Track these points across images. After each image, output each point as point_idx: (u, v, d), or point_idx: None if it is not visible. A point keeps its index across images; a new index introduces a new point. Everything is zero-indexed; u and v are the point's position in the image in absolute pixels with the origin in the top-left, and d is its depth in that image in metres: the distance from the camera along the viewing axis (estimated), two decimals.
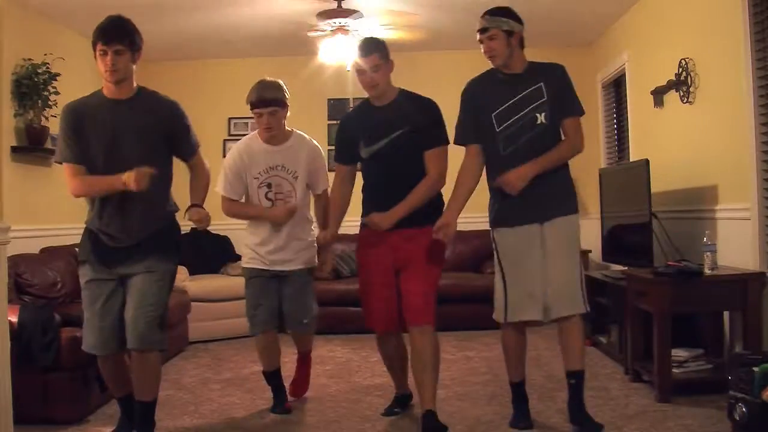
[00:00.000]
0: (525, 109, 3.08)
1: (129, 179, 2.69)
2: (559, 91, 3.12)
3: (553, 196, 3.06)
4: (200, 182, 3.15)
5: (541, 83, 3.14)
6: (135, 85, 2.93)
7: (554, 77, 3.18)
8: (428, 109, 3.28)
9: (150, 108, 2.91)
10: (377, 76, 3.17)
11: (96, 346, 2.88)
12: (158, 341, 2.85)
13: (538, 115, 3.06)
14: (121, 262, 2.87)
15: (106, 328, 2.85)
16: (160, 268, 2.90)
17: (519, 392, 3.28)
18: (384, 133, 3.19)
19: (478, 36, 3.19)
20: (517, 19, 3.24)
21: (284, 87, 3.62)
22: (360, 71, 3.19)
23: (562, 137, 3.12)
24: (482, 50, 3.19)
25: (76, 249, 4.80)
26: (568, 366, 3.13)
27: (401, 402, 3.54)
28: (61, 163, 2.93)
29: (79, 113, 2.86)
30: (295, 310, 3.54)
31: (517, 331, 3.23)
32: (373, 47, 3.18)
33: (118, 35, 2.75)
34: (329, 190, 3.59)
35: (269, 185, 3.53)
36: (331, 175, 3.50)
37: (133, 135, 2.82)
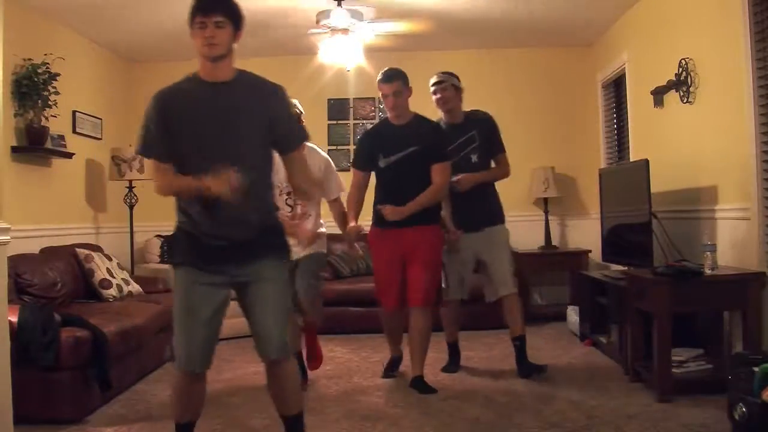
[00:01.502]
0: (462, 151, 4.16)
1: (215, 184, 2.41)
2: (489, 136, 4.24)
3: (484, 213, 4.22)
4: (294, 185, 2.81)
5: (474, 131, 4.19)
6: (234, 66, 2.62)
7: (486, 126, 4.25)
8: (436, 131, 4.01)
9: (251, 91, 2.59)
10: (398, 101, 3.86)
11: (195, 362, 2.63)
12: (292, 345, 2.76)
13: (472, 156, 4.18)
14: (229, 263, 2.59)
15: (210, 340, 2.63)
16: (281, 276, 2.67)
17: (454, 349, 4.44)
18: (400, 147, 3.86)
19: (432, 88, 4.20)
20: (459, 82, 4.26)
21: (296, 104, 3.79)
22: (384, 95, 3.87)
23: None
24: (434, 99, 4.21)
25: (76, 249, 4.87)
26: (513, 333, 4.23)
27: (395, 363, 4.26)
28: (145, 156, 2.69)
29: (170, 100, 2.54)
30: (302, 286, 3.83)
31: (455, 304, 4.31)
32: (396, 75, 3.85)
33: (218, 5, 2.48)
34: (343, 195, 4.10)
35: (289, 193, 3.81)
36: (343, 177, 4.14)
37: (233, 122, 2.52)
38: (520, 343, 4.18)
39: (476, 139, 4.17)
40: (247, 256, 2.59)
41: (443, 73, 4.22)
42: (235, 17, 2.55)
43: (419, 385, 3.84)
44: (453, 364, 4.37)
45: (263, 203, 2.65)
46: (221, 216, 2.53)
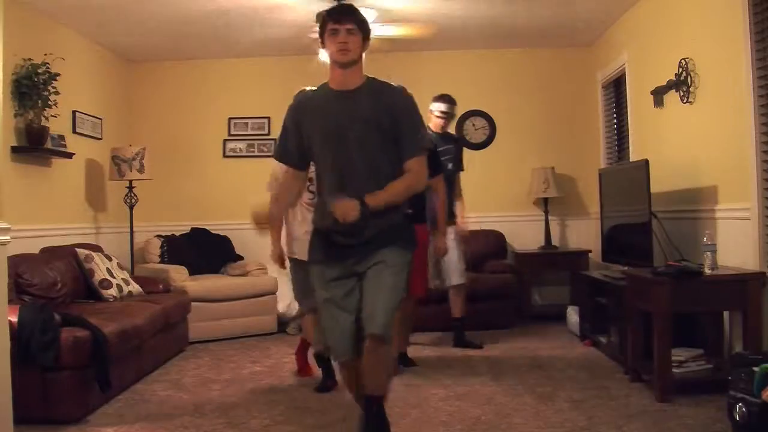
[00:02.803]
0: (443, 157, 4.88)
1: (337, 210, 2.56)
2: (459, 154, 5.22)
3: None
4: (398, 183, 2.69)
5: (453, 146, 5.18)
6: (364, 74, 2.71)
7: (459, 145, 5.24)
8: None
9: (378, 98, 2.67)
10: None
11: (346, 352, 2.71)
12: (391, 333, 2.76)
13: (449, 164, 5.04)
14: (354, 259, 2.68)
15: (346, 328, 2.70)
16: (402, 261, 2.70)
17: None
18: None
19: (439, 113, 5.03)
20: None
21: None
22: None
23: None
24: (437, 121, 5.02)
25: (76, 249, 4.87)
26: (453, 314, 5.04)
27: (404, 359, 4.49)
28: (281, 162, 2.86)
29: (302, 110, 2.72)
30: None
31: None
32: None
33: (351, 13, 2.62)
34: None
35: (311, 179, 3.72)
36: None
37: (360, 129, 2.62)
38: (459, 323, 5.06)
39: (453, 152, 5.00)
40: (371, 250, 2.68)
41: (452, 103, 5.02)
42: (364, 27, 2.67)
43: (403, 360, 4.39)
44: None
45: (393, 206, 2.69)
46: (353, 231, 2.63)
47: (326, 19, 2.64)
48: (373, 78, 2.72)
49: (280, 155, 2.82)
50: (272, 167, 4.14)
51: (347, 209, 2.55)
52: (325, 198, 2.70)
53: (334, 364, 3.67)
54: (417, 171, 2.69)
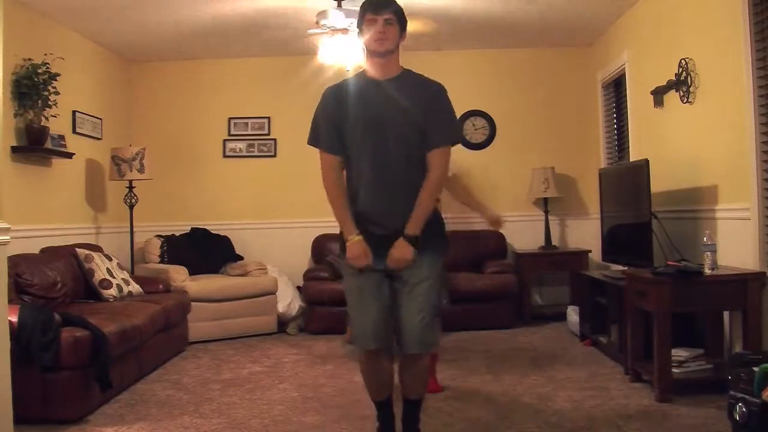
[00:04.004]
0: None
1: (353, 249, 2.66)
2: None
3: None
4: (425, 193, 2.68)
5: None
6: (400, 65, 2.75)
7: None
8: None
9: (415, 87, 2.71)
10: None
11: (369, 340, 2.74)
12: (433, 342, 2.83)
13: None
14: (387, 250, 2.68)
15: (380, 319, 2.73)
16: (434, 272, 2.74)
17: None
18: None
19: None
20: None
21: None
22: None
23: None
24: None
25: (76, 249, 4.87)
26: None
27: None
28: (314, 146, 2.78)
29: (338, 96, 2.72)
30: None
31: None
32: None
33: (389, 4, 2.66)
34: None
35: None
36: None
37: (397, 117, 2.66)
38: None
39: None
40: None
41: None
42: (401, 18, 2.69)
43: None
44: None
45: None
46: (386, 218, 2.70)
47: (365, 9, 2.66)
48: (411, 70, 2.77)
49: (317, 140, 2.75)
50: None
51: (405, 256, 2.64)
52: (357, 186, 2.72)
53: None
54: (440, 166, 2.71)
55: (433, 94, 2.71)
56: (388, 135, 2.66)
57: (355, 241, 2.68)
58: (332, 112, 2.71)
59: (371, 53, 2.68)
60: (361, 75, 2.77)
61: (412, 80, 2.73)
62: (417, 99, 2.67)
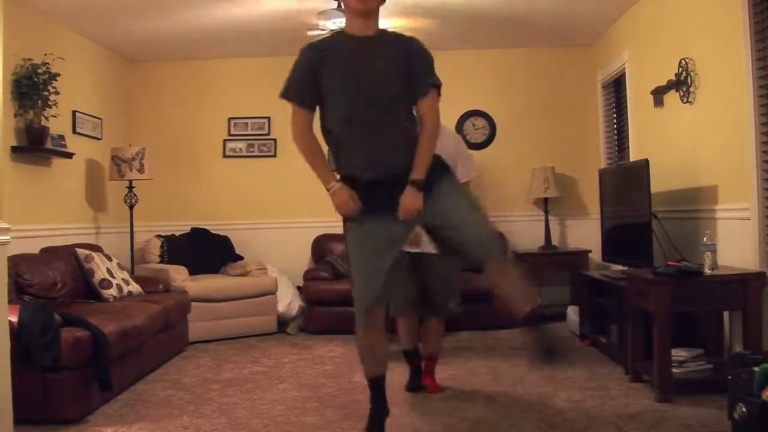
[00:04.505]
0: None
1: (336, 197, 2.72)
2: None
3: None
4: (424, 139, 2.77)
5: None
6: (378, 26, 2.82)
7: None
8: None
9: (393, 43, 2.80)
10: None
11: (364, 296, 2.79)
12: (504, 246, 2.97)
13: None
14: (391, 200, 2.75)
15: (378, 275, 2.76)
16: (460, 192, 2.86)
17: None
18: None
19: None
20: None
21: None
22: None
23: None
24: None
25: (76, 249, 4.87)
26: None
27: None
28: (285, 99, 2.83)
29: (320, 51, 2.77)
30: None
31: None
32: None
33: None
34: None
35: None
36: None
37: (378, 66, 2.73)
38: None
39: None
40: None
41: None
42: None
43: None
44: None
45: (412, 140, 2.78)
46: (373, 160, 2.74)
47: None
48: (388, 30, 2.84)
49: (290, 92, 2.80)
50: None
51: (416, 204, 2.68)
52: (340, 135, 2.75)
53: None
54: (432, 111, 2.79)
55: (411, 48, 2.79)
56: (374, 86, 2.70)
57: (338, 188, 2.73)
58: (311, 66, 2.74)
59: (353, 12, 2.73)
60: (341, 32, 2.84)
61: (390, 37, 2.82)
62: (397, 52, 2.75)
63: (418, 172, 2.72)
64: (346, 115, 2.73)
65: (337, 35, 2.85)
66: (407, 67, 2.74)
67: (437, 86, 2.86)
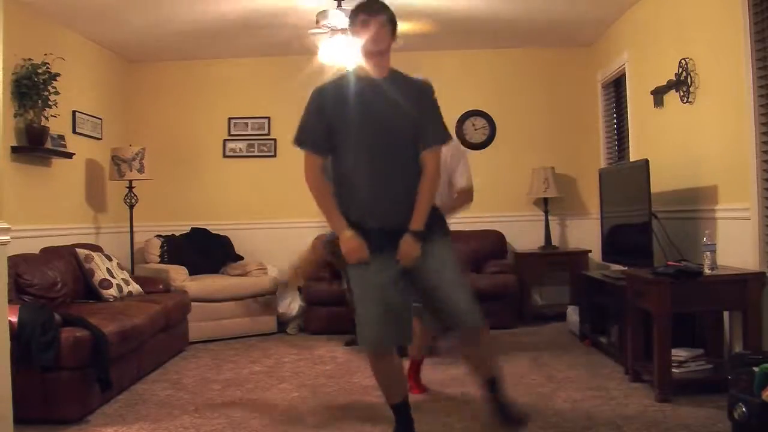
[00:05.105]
0: None
1: (347, 246, 2.72)
2: None
3: None
4: (424, 190, 2.75)
5: None
6: (390, 66, 2.82)
7: None
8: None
9: (405, 85, 2.79)
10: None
11: (369, 336, 2.75)
12: (481, 317, 2.83)
13: None
14: (392, 245, 2.74)
15: (389, 320, 2.73)
16: (450, 253, 2.82)
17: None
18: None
19: None
20: None
21: None
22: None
23: None
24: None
25: (76, 249, 4.87)
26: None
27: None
28: (298, 147, 2.79)
29: (330, 95, 2.76)
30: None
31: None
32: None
33: (382, 8, 2.74)
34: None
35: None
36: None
37: (393, 113, 2.73)
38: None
39: None
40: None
41: None
42: (393, 22, 2.76)
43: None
44: None
45: (414, 194, 2.76)
46: (377, 208, 2.74)
47: (358, 11, 2.73)
48: (399, 71, 2.82)
49: (303, 141, 2.77)
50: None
51: (413, 251, 2.69)
52: (351, 183, 2.74)
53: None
54: (434, 161, 2.79)
55: (422, 92, 2.81)
56: (385, 130, 2.71)
57: (349, 236, 2.71)
58: (325, 111, 2.73)
59: (366, 53, 2.73)
60: (353, 74, 2.81)
61: (401, 79, 2.81)
62: (408, 96, 2.75)
63: (417, 224, 2.72)
64: (354, 159, 2.73)
65: (348, 77, 2.82)
66: (418, 112, 2.75)
67: (446, 142, 2.85)
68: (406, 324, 2.76)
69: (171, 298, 5.01)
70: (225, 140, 6.70)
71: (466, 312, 2.73)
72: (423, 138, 2.76)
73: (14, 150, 4.55)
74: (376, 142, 2.70)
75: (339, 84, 2.79)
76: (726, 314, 3.81)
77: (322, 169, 2.77)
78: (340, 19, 4.90)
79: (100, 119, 5.97)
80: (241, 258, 6.32)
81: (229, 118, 6.69)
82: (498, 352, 2.95)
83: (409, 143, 2.75)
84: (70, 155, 5.21)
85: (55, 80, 4.76)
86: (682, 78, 4.34)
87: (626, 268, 4.44)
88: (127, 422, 3.43)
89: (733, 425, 2.79)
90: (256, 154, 6.69)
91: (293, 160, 7.17)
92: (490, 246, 6.25)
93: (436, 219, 2.83)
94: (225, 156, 6.70)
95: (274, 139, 6.65)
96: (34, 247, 4.61)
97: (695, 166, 4.24)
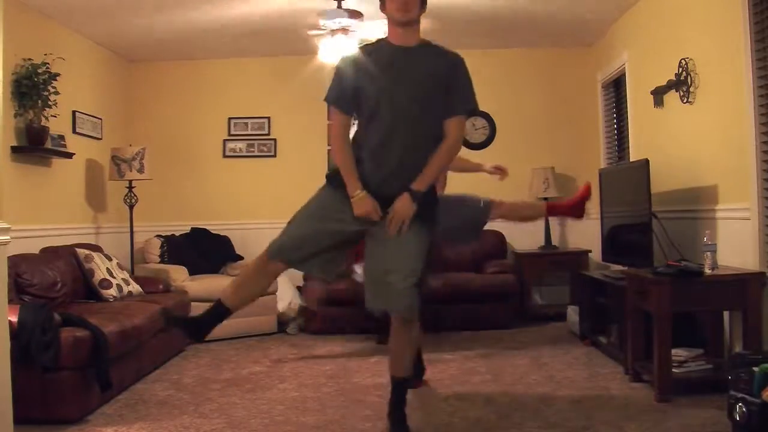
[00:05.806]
0: None
1: (360, 206, 2.78)
2: None
3: None
4: (439, 155, 2.82)
5: None
6: (420, 36, 2.86)
7: None
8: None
9: (435, 56, 2.83)
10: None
11: (280, 245, 2.99)
12: (416, 308, 2.89)
13: None
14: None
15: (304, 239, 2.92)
16: (420, 237, 2.87)
17: None
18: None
19: None
20: None
21: None
22: None
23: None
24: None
25: (76, 249, 4.87)
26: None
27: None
28: (329, 103, 2.89)
29: (362, 59, 2.83)
30: None
31: None
32: None
33: None
34: None
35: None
36: None
37: (419, 82, 2.78)
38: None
39: None
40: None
41: None
42: None
43: None
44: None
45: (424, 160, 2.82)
46: (394, 178, 2.80)
47: None
48: (432, 42, 2.86)
49: (335, 99, 2.85)
50: None
51: (407, 211, 2.74)
52: (369, 146, 2.81)
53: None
54: (458, 129, 2.84)
55: (453, 64, 2.83)
56: (415, 98, 2.75)
57: (362, 196, 2.77)
58: (354, 75, 2.79)
59: (394, 22, 2.78)
60: (383, 41, 2.86)
61: (433, 50, 2.84)
62: (438, 67, 2.79)
63: (420, 184, 2.78)
64: (384, 125, 2.77)
65: (379, 44, 2.88)
66: (448, 83, 2.79)
67: (473, 113, 2.91)
68: (314, 261, 2.90)
69: (171, 298, 5.01)
70: (225, 140, 6.70)
71: (399, 301, 2.75)
72: (450, 106, 2.81)
73: (14, 150, 4.55)
74: (407, 108, 2.75)
75: (370, 49, 2.85)
76: (726, 314, 3.81)
77: (347, 128, 2.86)
78: (340, 19, 4.90)
79: (100, 119, 5.97)
80: (241, 258, 6.31)
81: (229, 118, 6.69)
82: (415, 355, 3.01)
83: (438, 112, 2.79)
84: (70, 155, 5.21)
85: (55, 80, 4.76)
86: (682, 78, 4.34)
87: (626, 268, 4.44)
88: (127, 422, 3.43)
89: (733, 425, 2.79)
90: (256, 154, 6.69)
91: (293, 160, 7.22)
92: (490, 246, 6.25)
93: (429, 202, 2.88)
94: (225, 156, 6.70)
95: (274, 139, 6.65)
96: (34, 247, 4.61)
97: (695, 166, 4.24)
